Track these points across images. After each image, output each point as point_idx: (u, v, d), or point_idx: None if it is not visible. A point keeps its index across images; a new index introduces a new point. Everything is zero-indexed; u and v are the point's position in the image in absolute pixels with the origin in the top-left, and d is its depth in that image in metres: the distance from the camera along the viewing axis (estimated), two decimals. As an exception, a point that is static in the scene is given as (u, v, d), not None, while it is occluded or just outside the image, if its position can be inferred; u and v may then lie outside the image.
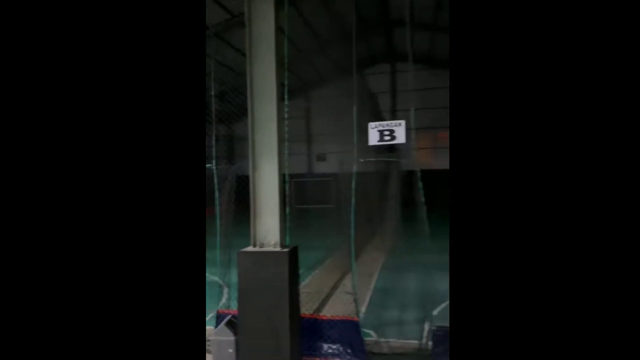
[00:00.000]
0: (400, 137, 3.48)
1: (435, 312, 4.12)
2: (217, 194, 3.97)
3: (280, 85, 3.24)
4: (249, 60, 3.19)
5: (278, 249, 3.13)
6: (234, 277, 3.44)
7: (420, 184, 3.66)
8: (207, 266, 2.46)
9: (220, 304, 4.28)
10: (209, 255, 2.54)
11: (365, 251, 8.15)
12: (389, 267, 7.02)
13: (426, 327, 3.74)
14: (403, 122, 3.51)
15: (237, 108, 5.73)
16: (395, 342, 3.72)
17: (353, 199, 3.76)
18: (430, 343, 3.39)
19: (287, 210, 3.37)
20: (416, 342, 3.65)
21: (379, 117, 10.89)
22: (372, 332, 3.97)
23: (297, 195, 20.51)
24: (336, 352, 3.50)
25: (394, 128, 3.53)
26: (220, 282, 4.83)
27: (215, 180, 3.94)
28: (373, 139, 3.57)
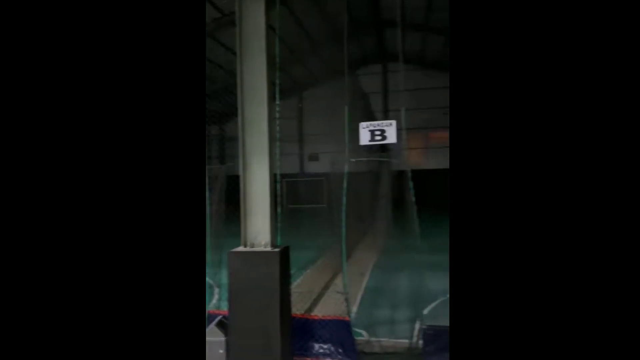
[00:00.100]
0: (391, 137, 3.49)
1: (425, 311, 4.14)
2: (207, 193, 3.94)
3: (271, 85, 3.23)
4: (239, 59, 3.18)
5: (269, 249, 3.12)
6: (224, 277, 3.43)
7: (410, 184, 3.68)
8: (197, 267, 2.44)
9: (211, 305, 4.25)
10: (198, 255, 2.52)
11: (357, 250, 8.17)
12: (380, 266, 7.05)
13: (417, 326, 3.76)
14: (394, 122, 3.53)
15: (227, 107, 5.71)
16: (386, 342, 3.74)
17: (344, 199, 3.76)
18: (420, 342, 3.41)
19: (279, 210, 3.36)
20: (407, 341, 3.67)
21: (371, 117, 10.93)
22: (363, 332, 3.98)
23: (289, 195, 20.49)
24: (327, 352, 3.50)
25: (385, 128, 3.54)
26: (211, 282, 4.80)
27: (206, 180, 3.92)
28: (364, 139, 3.58)
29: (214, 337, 3.23)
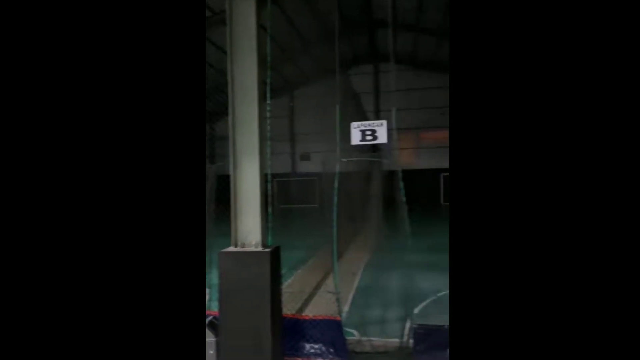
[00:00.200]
0: (382, 137, 3.50)
1: (416, 311, 4.17)
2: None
3: (262, 84, 3.21)
4: (230, 58, 3.15)
5: (260, 249, 3.11)
6: (214, 277, 3.40)
7: (401, 184, 3.70)
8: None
9: (201, 305, 4.21)
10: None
11: (349, 250, 8.18)
12: (372, 266, 7.07)
13: (407, 325, 3.78)
14: (385, 122, 3.54)
15: (217, 106, 5.66)
16: (377, 341, 3.75)
17: (335, 199, 3.76)
18: (411, 341, 3.43)
19: (269, 210, 3.34)
20: (397, 340, 3.68)
21: (362, 117, 10.94)
22: (354, 331, 3.99)
23: (280, 194, 20.45)
24: (318, 351, 3.50)
25: (375, 128, 3.55)
26: (202, 283, 4.75)
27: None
28: (355, 138, 3.59)
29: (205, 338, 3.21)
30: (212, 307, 3.89)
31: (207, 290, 4.82)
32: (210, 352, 3.20)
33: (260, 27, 3.20)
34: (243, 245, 3.16)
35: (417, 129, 21.27)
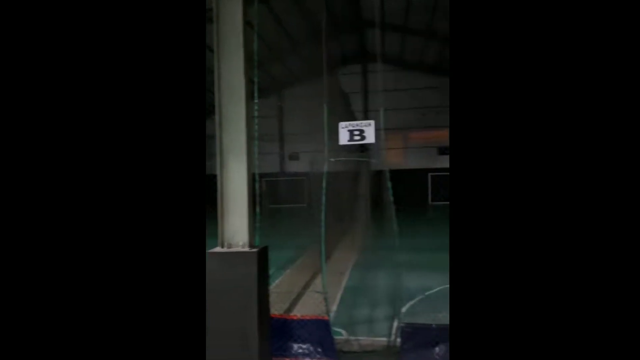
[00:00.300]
0: (370, 137, 3.51)
1: (403, 310, 4.19)
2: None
3: (249, 83, 3.19)
4: (216, 57, 3.12)
5: (247, 249, 3.09)
6: (201, 278, 3.35)
7: (389, 184, 3.71)
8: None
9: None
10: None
11: (337, 250, 8.19)
12: (360, 265, 7.09)
13: (395, 324, 3.80)
14: (372, 122, 3.55)
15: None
16: (365, 340, 3.76)
17: (323, 198, 3.76)
18: (398, 340, 3.45)
19: (257, 210, 3.32)
20: (385, 339, 3.70)
21: (351, 117, 10.98)
22: (342, 331, 3.99)
23: (269, 194, 20.36)
24: (306, 351, 3.49)
25: (363, 128, 3.56)
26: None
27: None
28: (343, 138, 3.59)
29: (191, 340, 3.17)
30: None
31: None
32: (197, 353, 3.16)
33: (248, 25, 3.18)
34: (230, 246, 3.13)
35: (405, 129, 21.43)
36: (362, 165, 9.84)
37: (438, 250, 8.39)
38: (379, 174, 4.92)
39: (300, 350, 3.50)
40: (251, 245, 3.14)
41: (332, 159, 4.06)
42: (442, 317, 3.57)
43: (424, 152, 22.08)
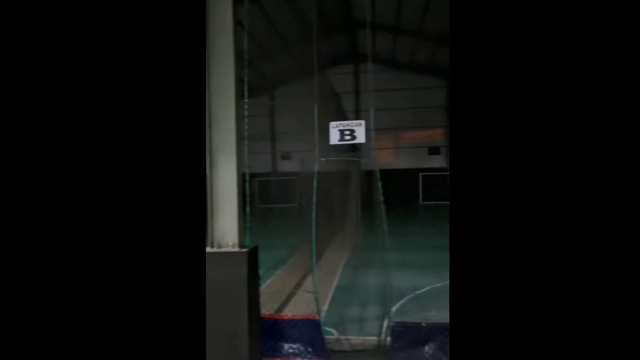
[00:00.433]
0: (361, 137, 3.52)
1: (394, 309, 4.21)
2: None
3: (239, 82, 3.17)
4: (206, 56, 3.10)
5: (236, 249, 3.07)
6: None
7: (379, 184, 3.73)
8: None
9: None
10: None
11: (328, 250, 8.20)
12: (351, 265, 7.11)
13: (385, 323, 3.82)
14: (363, 122, 3.56)
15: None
16: (355, 339, 3.77)
17: (314, 198, 3.76)
18: (389, 339, 3.46)
19: (247, 209, 3.31)
20: (375, 338, 3.71)
21: (343, 117, 10.99)
22: (333, 330, 4.00)
23: (261, 194, 20.30)
24: (297, 351, 3.49)
25: (354, 128, 3.57)
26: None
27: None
28: (334, 138, 3.60)
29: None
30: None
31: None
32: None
33: (238, 24, 3.16)
34: (220, 246, 3.11)
35: (396, 129, 21.54)
36: (353, 165, 9.87)
37: (428, 249, 8.47)
38: (369, 173, 4.93)
39: (290, 350, 3.50)
40: (241, 246, 3.13)
41: (323, 159, 4.06)
42: (432, 315, 3.60)
43: (415, 152, 22.22)
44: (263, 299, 3.57)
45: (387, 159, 21.53)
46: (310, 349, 3.48)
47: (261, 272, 3.46)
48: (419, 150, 22.20)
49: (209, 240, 3.15)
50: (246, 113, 3.34)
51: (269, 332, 3.48)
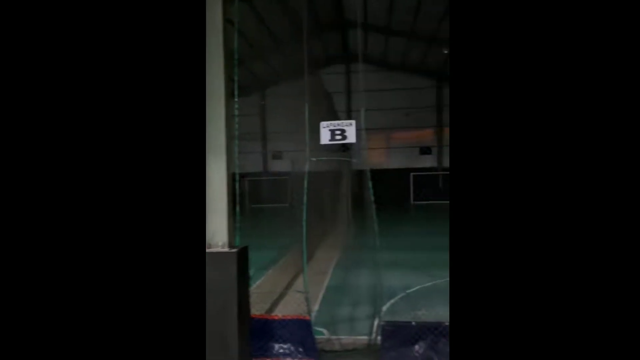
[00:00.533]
0: (351, 137, 3.52)
1: (384, 308, 4.23)
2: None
3: (229, 81, 3.15)
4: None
5: (226, 249, 3.05)
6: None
7: (370, 183, 3.74)
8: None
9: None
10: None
11: (320, 250, 8.20)
12: (342, 265, 7.12)
13: (375, 322, 3.83)
14: (353, 121, 3.57)
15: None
16: (346, 339, 3.77)
17: (305, 198, 3.75)
18: (379, 338, 3.47)
19: (237, 209, 3.29)
20: (366, 337, 3.72)
21: (334, 117, 11.00)
22: (324, 330, 3.99)
23: (252, 194, 20.21)
24: (287, 351, 3.48)
25: (345, 128, 3.57)
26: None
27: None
28: (325, 138, 3.60)
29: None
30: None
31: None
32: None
33: (228, 23, 3.14)
34: (209, 246, 3.09)
35: (387, 129, 21.63)
36: (344, 165, 9.88)
37: (419, 249, 8.52)
38: (360, 173, 4.94)
39: (281, 350, 3.48)
40: (231, 246, 3.11)
41: (314, 159, 4.06)
42: (422, 314, 3.62)
43: (407, 152, 22.33)
44: (253, 299, 3.55)
45: (378, 158, 21.60)
46: (300, 349, 3.47)
47: (252, 272, 3.44)
48: (410, 150, 22.32)
49: (198, 241, 3.12)
50: (236, 112, 3.32)
51: (259, 332, 3.46)
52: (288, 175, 17.21)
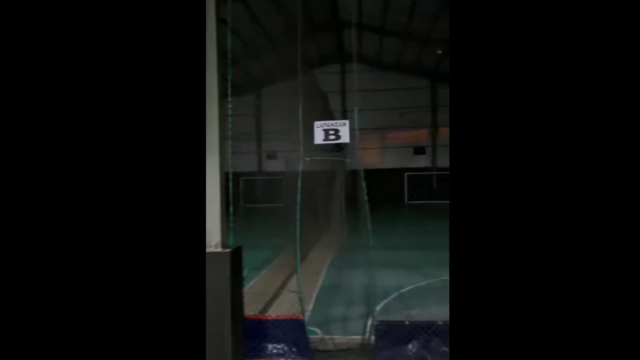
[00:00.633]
0: (345, 137, 3.53)
1: (378, 308, 4.24)
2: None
3: (223, 80, 3.14)
4: (189, 53, 3.06)
5: (219, 249, 3.04)
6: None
7: (363, 183, 3.74)
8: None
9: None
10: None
11: (314, 249, 8.20)
12: (336, 265, 7.12)
13: (369, 322, 3.83)
14: (347, 121, 3.57)
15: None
16: (340, 339, 3.77)
17: (299, 198, 3.75)
18: (372, 338, 3.48)
19: (231, 209, 3.28)
20: (360, 337, 3.73)
21: (329, 117, 11.01)
22: (317, 330, 3.99)
23: (246, 194, 20.15)
24: (281, 351, 3.47)
25: (338, 127, 3.57)
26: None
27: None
28: (318, 138, 3.60)
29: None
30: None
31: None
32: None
33: (221, 22, 3.13)
34: (202, 246, 3.07)
35: (381, 129, 21.68)
36: (338, 164, 9.89)
37: (413, 248, 8.55)
38: (354, 173, 4.95)
39: (275, 351, 3.48)
40: (224, 246, 3.10)
41: (308, 159, 4.06)
42: (415, 314, 3.63)
43: (401, 152, 22.40)
44: (247, 299, 3.54)
45: (372, 158, 21.64)
46: (294, 349, 3.47)
47: (245, 272, 3.43)
48: (404, 150, 22.39)
49: (191, 241, 3.11)
50: (230, 112, 3.31)
51: (252, 332, 3.45)
52: (282, 175, 17.18)
